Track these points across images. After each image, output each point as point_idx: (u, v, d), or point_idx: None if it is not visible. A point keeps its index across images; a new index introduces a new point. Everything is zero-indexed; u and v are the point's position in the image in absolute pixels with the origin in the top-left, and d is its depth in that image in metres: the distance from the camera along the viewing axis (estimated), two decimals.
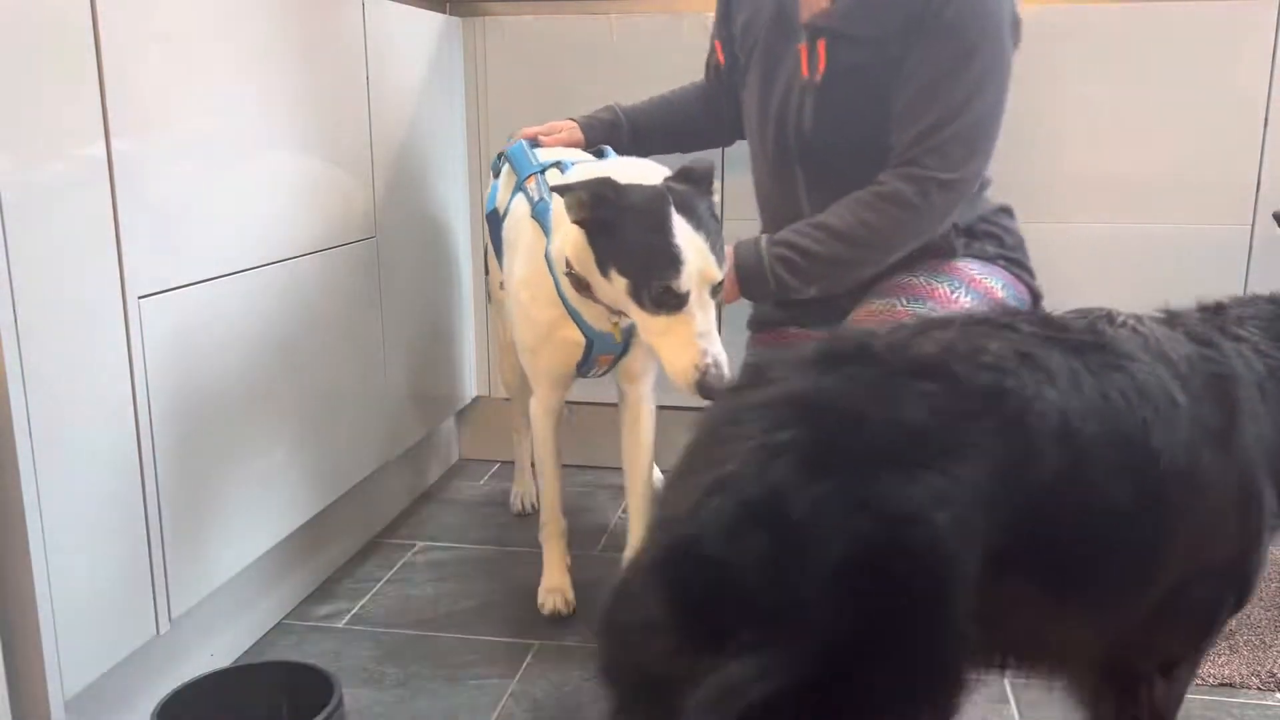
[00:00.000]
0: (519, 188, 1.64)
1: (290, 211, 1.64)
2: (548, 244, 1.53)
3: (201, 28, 1.42)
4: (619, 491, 2.27)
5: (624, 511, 2.17)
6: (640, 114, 1.94)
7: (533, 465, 2.26)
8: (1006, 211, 1.78)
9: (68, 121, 1.20)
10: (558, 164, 1.64)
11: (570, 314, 1.56)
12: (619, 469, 2.38)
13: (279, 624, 1.74)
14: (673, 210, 1.35)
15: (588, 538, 2.06)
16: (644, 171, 1.50)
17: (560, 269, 1.50)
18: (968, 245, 1.70)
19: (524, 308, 1.62)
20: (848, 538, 0.73)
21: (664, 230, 1.33)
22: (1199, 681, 1.53)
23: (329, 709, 1.23)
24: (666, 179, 1.45)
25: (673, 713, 0.75)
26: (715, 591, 0.74)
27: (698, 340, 1.34)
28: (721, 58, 1.89)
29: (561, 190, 1.39)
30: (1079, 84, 2.05)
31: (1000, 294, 1.67)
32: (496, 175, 1.81)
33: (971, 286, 1.64)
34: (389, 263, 1.97)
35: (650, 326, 1.37)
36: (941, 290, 1.61)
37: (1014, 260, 1.73)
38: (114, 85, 1.24)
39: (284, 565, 1.75)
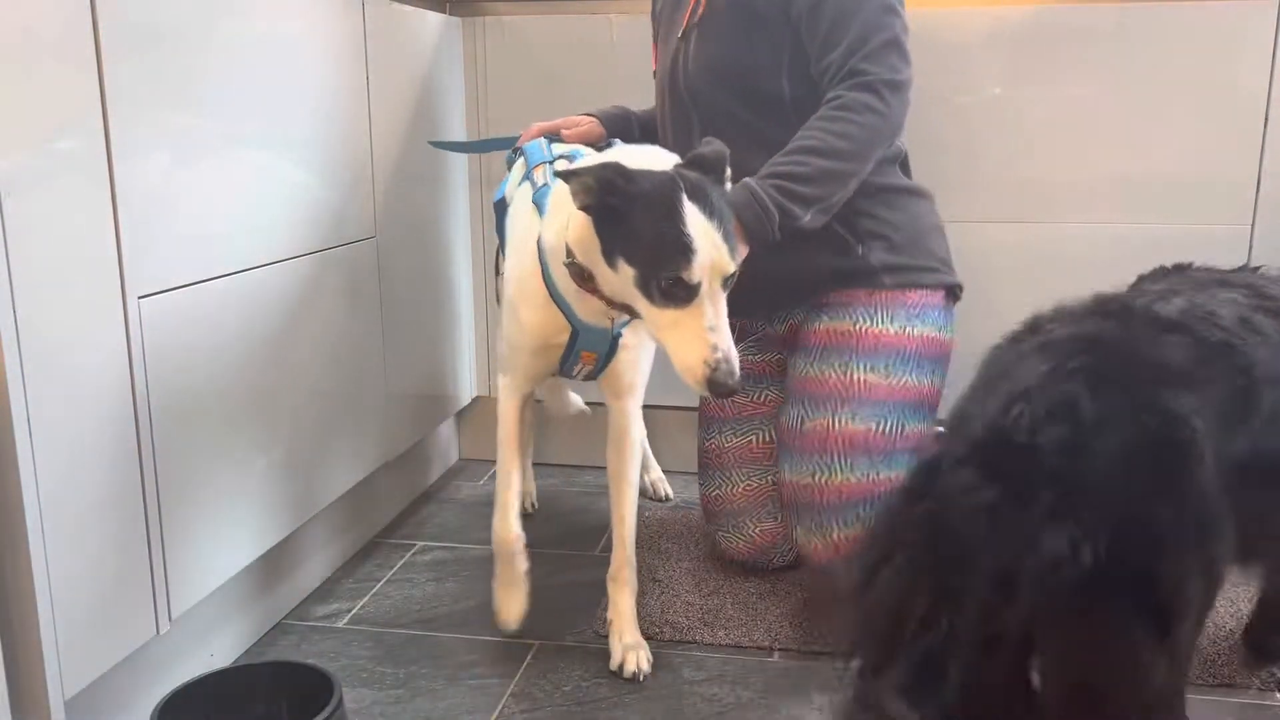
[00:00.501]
0: (527, 176, 1.62)
1: (290, 211, 1.64)
2: (541, 230, 1.49)
3: (201, 28, 1.42)
4: None
5: None
6: (648, 118, 1.95)
7: (532, 464, 2.27)
8: (901, 192, 1.77)
9: (68, 122, 1.20)
10: (568, 156, 1.61)
11: (559, 304, 1.50)
12: None
13: (279, 624, 1.74)
14: (685, 198, 1.29)
15: (587, 537, 2.06)
16: (654, 158, 1.45)
17: (559, 258, 1.44)
18: (845, 249, 1.71)
19: (511, 303, 1.58)
20: (1133, 428, 0.96)
21: (675, 219, 1.27)
22: (1199, 681, 1.53)
23: (329, 709, 1.23)
24: (677, 165, 1.39)
25: (973, 560, 0.97)
26: (1023, 468, 0.96)
27: (708, 334, 1.28)
28: (655, 62, 1.94)
29: (568, 175, 1.31)
30: (1079, 84, 2.06)
31: (920, 329, 1.71)
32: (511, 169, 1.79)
33: (902, 346, 1.70)
34: (389, 263, 1.97)
35: (658, 320, 1.31)
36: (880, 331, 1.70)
37: (905, 269, 1.73)
38: (113, 84, 1.24)
39: (284, 565, 1.75)
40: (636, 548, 1.96)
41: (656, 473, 2.30)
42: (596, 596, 1.78)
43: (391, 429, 2.03)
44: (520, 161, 1.71)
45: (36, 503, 1.16)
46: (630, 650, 1.59)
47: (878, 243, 1.73)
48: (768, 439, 1.87)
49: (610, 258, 1.34)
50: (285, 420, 1.65)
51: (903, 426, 1.67)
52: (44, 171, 1.16)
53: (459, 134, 2.29)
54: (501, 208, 1.73)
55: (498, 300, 2.15)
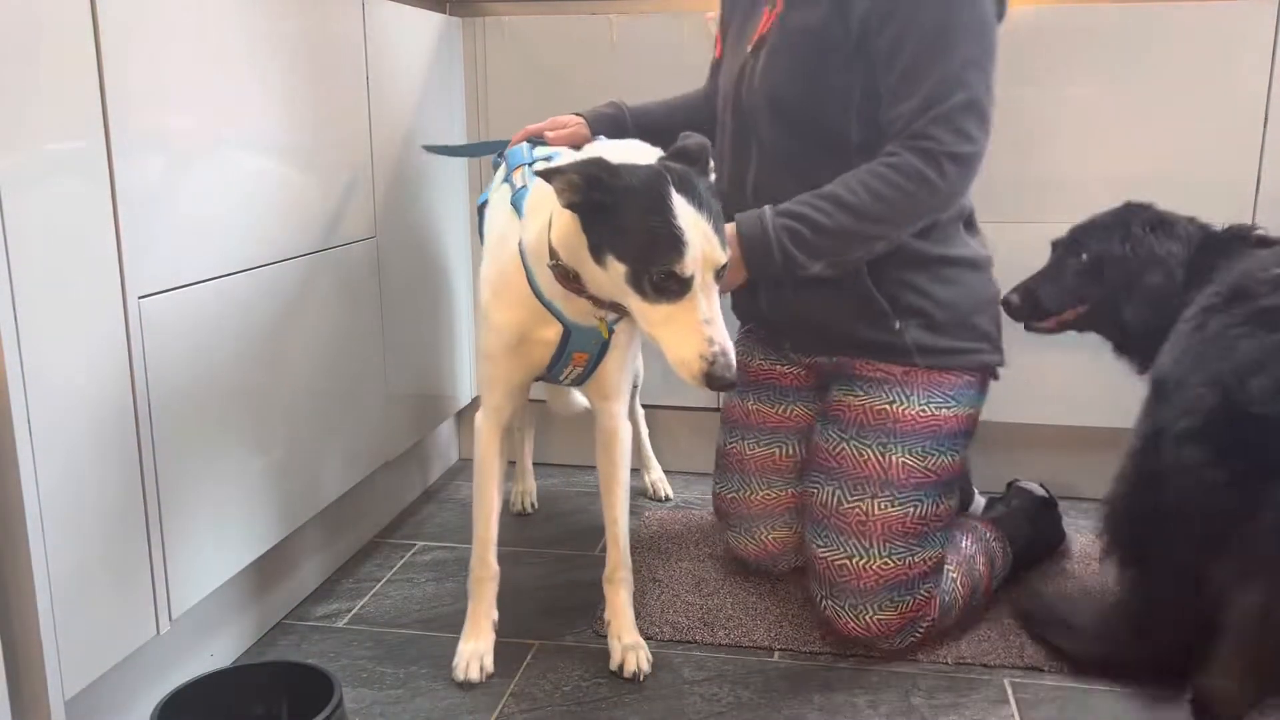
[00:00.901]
0: (506, 178, 1.60)
1: (290, 211, 1.64)
2: (521, 233, 1.45)
3: (201, 28, 1.42)
4: None
5: None
6: (645, 114, 1.89)
7: (532, 464, 2.28)
8: (957, 264, 1.67)
9: (68, 122, 1.20)
10: (548, 159, 1.58)
11: (546, 306, 1.47)
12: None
13: (279, 624, 1.74)
14: (672, 190, 1.26)
15: (587, 537, 2.06)
16: (636, 152, 1.41)
17: (542, 261, 1.40)
18: (882, 322, 1.64)
19: (483, 308, 1.52)
20: None
21: (664, 211, 1.24)
22: None
23: (329, 709, 1.23)
24: (661, 158, 1.36)
25: (1219, 537, 1.07)
26: (1263, 438, 1.05)
27: (703, 328, 1.25)
28: (720, 50, 1.87)
29: (550, 173, 1.28)
30: (1079, 84, 2.05)
31: (956, 410, 1.66)
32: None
33: (938, 427, 1.66)
34: (389, 263, 1.97)
35: (651, 316, 1.28)
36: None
37: (941, 351, 1.66)
38: (114, 85, 1.25)
39: (284, 565, 1.75)
40: (637, 548, 1.97)
41: (657, 473, 2.30)
42: (596, 596, 1.77)
43: (391, 429, 2.03)
44: (503, 166, 1.68)
45: (36, 503, 1.16)
46: (630, 650, 1.59)
47: (917, 319, 1.65)
48: (792, 452, 1.83)
49: (598, 255, 1.31)
50: (285, 420, 1.65)
51: (937, 505, 1.64)
52: (44, 171, 1.16)
53: (459, 134, 2.29)
54: (482, 211, 1.71)
55: None
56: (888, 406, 1.66)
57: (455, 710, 1.50)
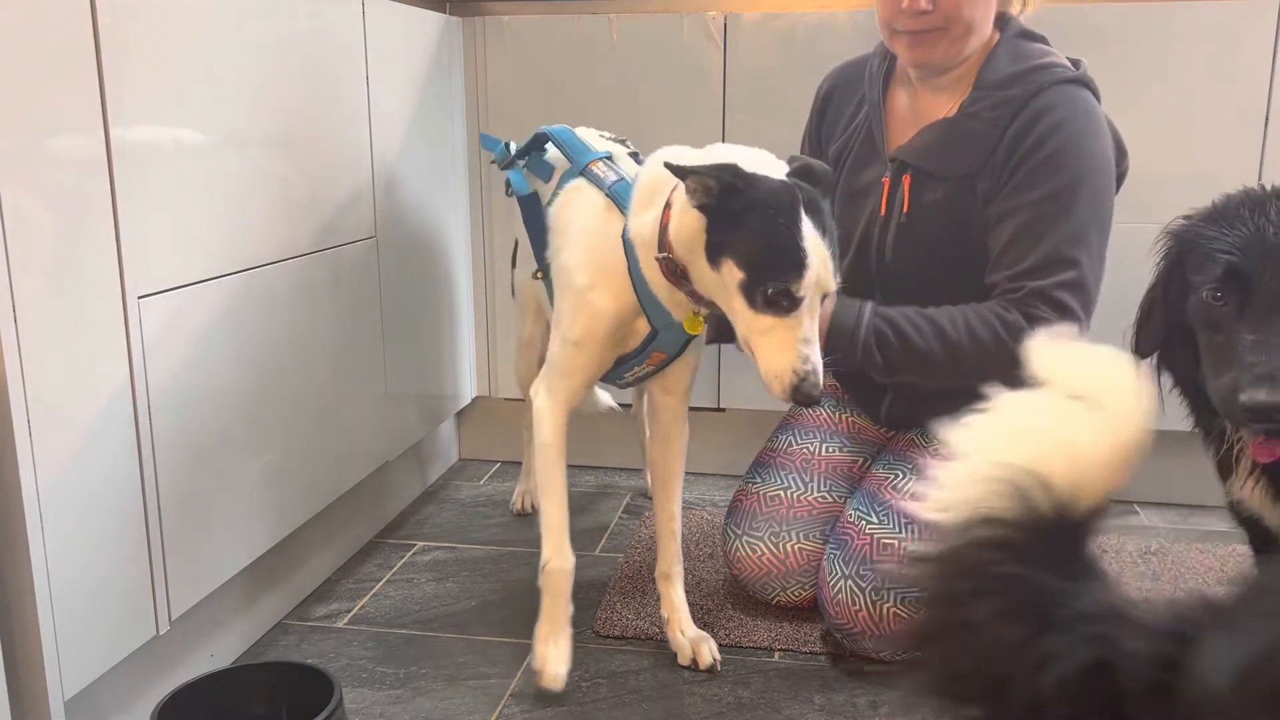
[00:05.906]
0: (578, 171, 1.56)
1: (290, 211, 1.64)
2: (626, 225, 1.45)
3: (201, 27, 1.42)
4: (620, 492, 2.28)
5: (624, 512, 2.18)
6: None
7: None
8: None
9: (67, 121, 1.20)
10: (607, 156, 1.57)
11: (642, 301, 1.46)
12: (620, 469, 2.39)
13: (279, 624, 1.74)
14: (802, 210, 1.29)
15: (587, 537, 2.06)
16: (764, 162, 1.39)
17: (650, 253, 1.41)
18: None
19: (580, 294, 1.48)
20: None
21: (792, 231, 1.27)
22: None
23: (329, 709, 1.23)
24: (790, 173, 1.36)
25: None
26: None
27: (800, 345, 1.29)
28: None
29: (685, 172, 1.29)
30: None
31: None
32: (503, 161, 1.74)
33: None
34: (389, 263, 1.97)
35: (754, 325, 1.30)
36: None
37: None
38: (113, 85, 1.25)
39: (284, 565, 1.75)
40: (636, 548, 1.97)
41: None
42: (596, 597, 1.78)
43: (391, 429, 2.03)
44: (552, 154, 1.65)
45: (36, 503, 1.16)
46: (700, 643, 1.59)
47: None
48: (864, 464, 1.82)
49: (715, 257, 1.32)
50: (285, 420, 1.65)
51: None
52: (44, 171, 1.16)
53: (459, 134, 2.29)
54: (532, 202, 1.65)
55: (512, 293, 2.11)
56: None
57: (455, 710, 1.50)
